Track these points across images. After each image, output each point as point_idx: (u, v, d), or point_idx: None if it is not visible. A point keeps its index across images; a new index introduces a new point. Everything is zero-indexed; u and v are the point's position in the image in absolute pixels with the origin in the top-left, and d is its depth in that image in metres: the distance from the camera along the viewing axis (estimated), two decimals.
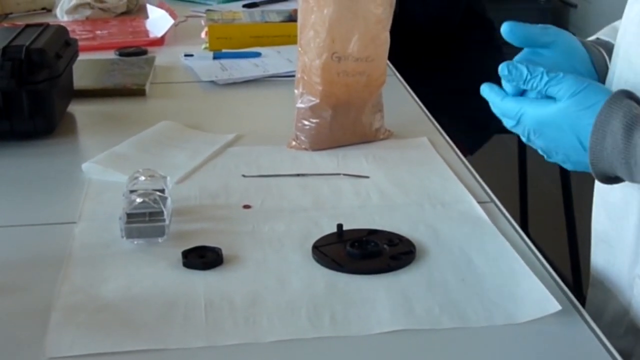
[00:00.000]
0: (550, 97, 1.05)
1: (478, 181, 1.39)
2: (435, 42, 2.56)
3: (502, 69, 1.07)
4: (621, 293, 1.13)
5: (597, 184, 1.19)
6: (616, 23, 1.26)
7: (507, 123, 1.11)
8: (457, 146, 1.56)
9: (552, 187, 2.98)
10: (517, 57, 1.14)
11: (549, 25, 1.15)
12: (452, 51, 2.56)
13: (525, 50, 1.14)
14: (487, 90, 1.12)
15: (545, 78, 1.04)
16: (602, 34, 1.22)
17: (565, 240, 2.79)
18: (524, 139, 1.10)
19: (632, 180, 1.00)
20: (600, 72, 1.15)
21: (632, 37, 1.07)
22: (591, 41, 1.21)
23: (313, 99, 1.49)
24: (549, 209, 3.11)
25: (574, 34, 1.23)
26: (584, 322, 1.00)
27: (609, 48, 1.18)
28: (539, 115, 1.05)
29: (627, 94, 1.01)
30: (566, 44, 1.14)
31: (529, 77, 1.05)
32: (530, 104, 1.06)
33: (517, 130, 1.10)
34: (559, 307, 1.00)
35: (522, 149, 3.24)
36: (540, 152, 1.11)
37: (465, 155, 1.52)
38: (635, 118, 0.97)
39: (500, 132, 2.89)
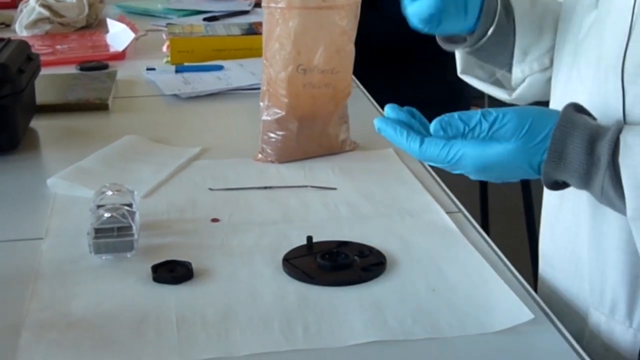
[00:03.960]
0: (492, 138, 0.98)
1: (445, 191, 1.40)
2: (400, 53, 2.57)
3: (436, 128, 0.98)
4: (568, 317, 1.13)
5: (546, 210, 1.20)
6: None
7: (437, 165, 1.02)
8: None
9: (513, 196, 3.00)
10: None
11: None
12: (416, 62, 2.57)
13: None
14: (392, 133, 1.02)
15: (486, 125, 0.97)
16: None
17: (527, 249, 2.80)
18: (453, 171, 1.02)
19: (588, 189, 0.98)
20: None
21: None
22: None
23: (279, 111, 1.49)
24: (511, 218, 3.12)
25: None
26: (556, 330, 1.01)
27: None
28: (483, 158, 0.98)
29: (577, 108, 0.99)
30: None
31: (467, 129, 0.97)
32: (468, 146, 0.98)
33: (450, 170, 1.02)
34: (532, 316, 1.01)
35: None
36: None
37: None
38: (594, 130, 0.95)
39: None
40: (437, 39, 1.23)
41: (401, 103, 2.32)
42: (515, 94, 1.25)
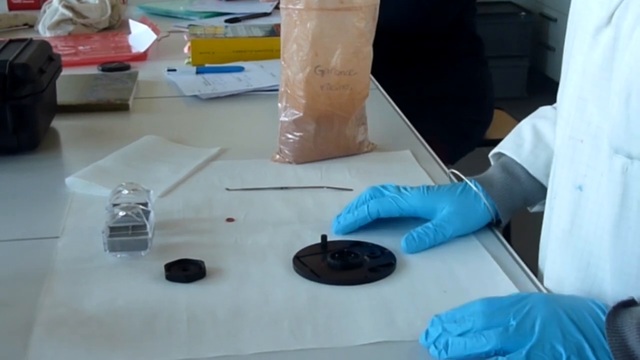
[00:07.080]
0: None
1: None
2: (422, 51, 2.57)
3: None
4: None
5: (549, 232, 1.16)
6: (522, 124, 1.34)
7: None
8: (439, 154, 1.56)
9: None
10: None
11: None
12: (438, 61, 2.57)
13: None
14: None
15: None
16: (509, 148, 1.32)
17: None
18: None
19: None
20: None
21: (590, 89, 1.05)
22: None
23: (296, 112, 1.49)
24: (532, 221, 3.11)
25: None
26: None
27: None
28: None
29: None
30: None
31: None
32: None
33: None
34: None
35: None
36: None
37: (445, 164, 1.53)
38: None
39: (482, 145, 2.91)
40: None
41: (422, 97, 2.31)
42: None
